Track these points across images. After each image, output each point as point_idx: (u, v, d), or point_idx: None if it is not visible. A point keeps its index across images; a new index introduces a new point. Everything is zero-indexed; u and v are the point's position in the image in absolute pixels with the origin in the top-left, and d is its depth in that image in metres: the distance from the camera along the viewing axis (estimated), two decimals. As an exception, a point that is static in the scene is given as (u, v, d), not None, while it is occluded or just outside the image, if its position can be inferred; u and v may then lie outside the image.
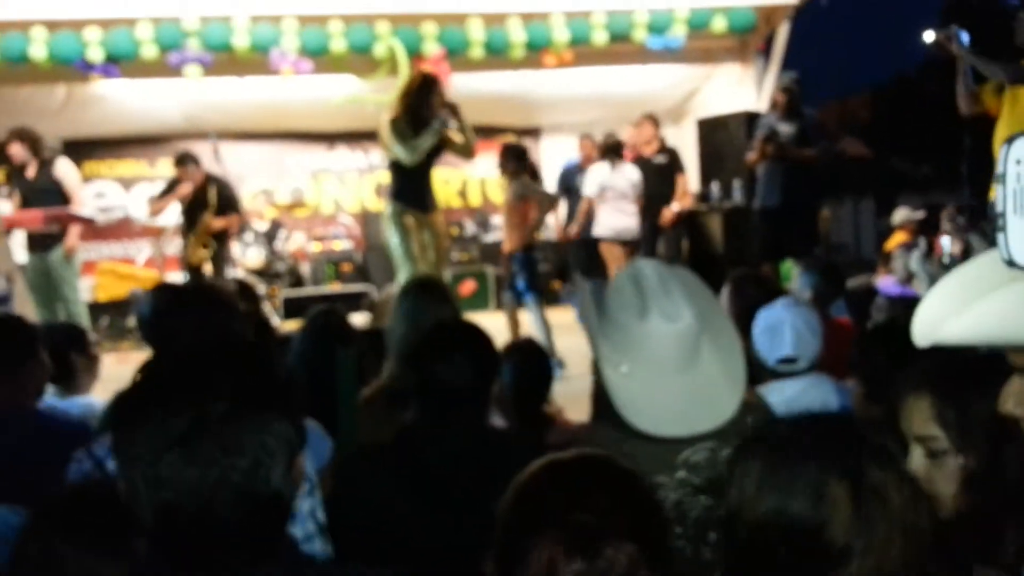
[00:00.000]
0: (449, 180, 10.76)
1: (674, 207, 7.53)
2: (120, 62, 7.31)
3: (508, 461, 1.31)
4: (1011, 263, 0.92)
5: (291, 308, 7.80)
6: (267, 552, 1.15)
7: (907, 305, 3.61)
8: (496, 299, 9.05)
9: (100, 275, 8.85)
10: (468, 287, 9.45)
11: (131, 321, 7.69)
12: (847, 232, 19.36)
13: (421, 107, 5.31)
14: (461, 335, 2.12)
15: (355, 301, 7.91)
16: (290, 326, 6.65)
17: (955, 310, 1.03)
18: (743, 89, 8.98)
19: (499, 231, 7.51)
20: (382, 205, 5.77)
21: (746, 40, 8.85)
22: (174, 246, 7.82)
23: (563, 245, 8.61)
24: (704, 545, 1.74)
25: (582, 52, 8.09)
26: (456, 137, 5.46)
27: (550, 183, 8.83)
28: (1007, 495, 1.29)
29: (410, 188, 5.44)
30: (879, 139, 19.56)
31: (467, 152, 5.61)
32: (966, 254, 7.47)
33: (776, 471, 1.17)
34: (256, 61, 7.51)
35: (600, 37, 7.98)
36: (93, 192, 9.41)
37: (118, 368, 4.79)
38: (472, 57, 7.81)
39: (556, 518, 1.06)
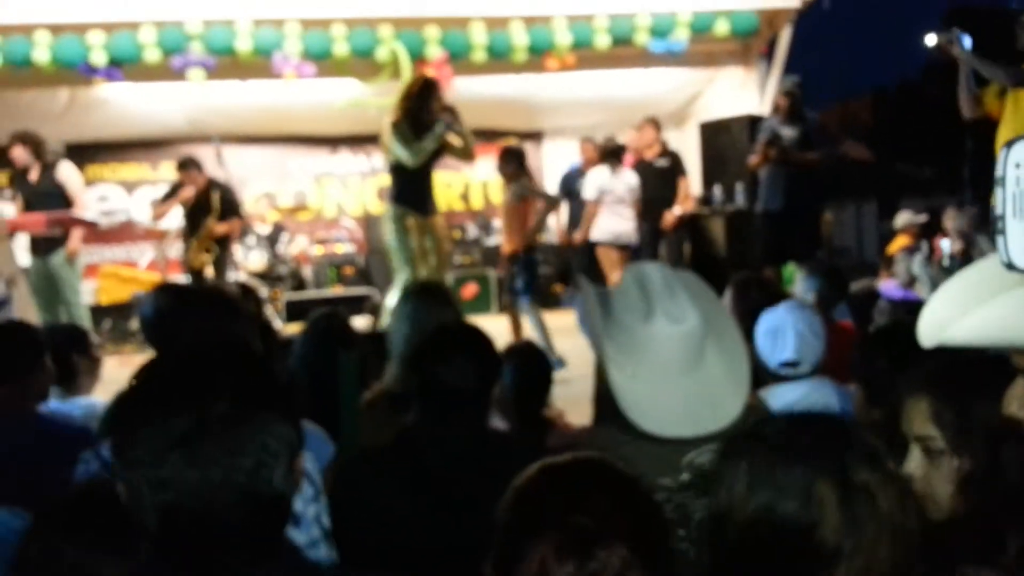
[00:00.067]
0: (451, 183, 10.77)
1: (676, 210, 7.53)
2: (123, 66, 7.32)
3: (509, 463, 1.31)
4: (1010, 266, 0.92)
5: (293, 311, 7.81)
6: (267, 553, 1.15)
7: (909, 309, 3.61)
8: (498, 302, 9.06)
9: (103, 278, 8.86)
10: (470, 290, 9.46)
11: (134, 324, 7.70)
12: (849, 236, 19.36)
13: (421, 111, 5.34)
14: (462, 338, 2.12)
15: (357, 304, 7.91)
16: (292, 329, 6.65)
17: (960, 312, 1.04)
18: (745, 92, 8.99)
19: (500, 234, 7.52)
20: (384, 208, 5.78)
21: (748, 43, 8.86)
22: (176, 249, 7.83)
23: (564, 248, 8.62)
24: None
25: (584, 56, 8.10)
26: (455, 141, 5.48)
27: (552, 187, 8.83)
28: (1007, 498, 1.29)
29: (411, 191, 5.47)
30: (881, 142, 19.54)
31: (466, 155, 5.64)
32: (966, 254, 7.47)
33: (765, 471, 1.18)
34: (259, 65, 7.52)
35: (602, 41, 7.98)
36: (96, 195, 9.44)
37: (120, 371, 4.79)
38: (474, 61, 7.82)
39: (554, 521, 1.06)
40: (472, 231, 10.21)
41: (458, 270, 9.49)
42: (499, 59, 7.90)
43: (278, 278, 8.34)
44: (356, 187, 10.52)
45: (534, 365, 3.04)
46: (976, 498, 1.35)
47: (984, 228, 7.39)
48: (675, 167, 7.63)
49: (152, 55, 7.26)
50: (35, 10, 7.11)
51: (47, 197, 6.40)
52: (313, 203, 10.14)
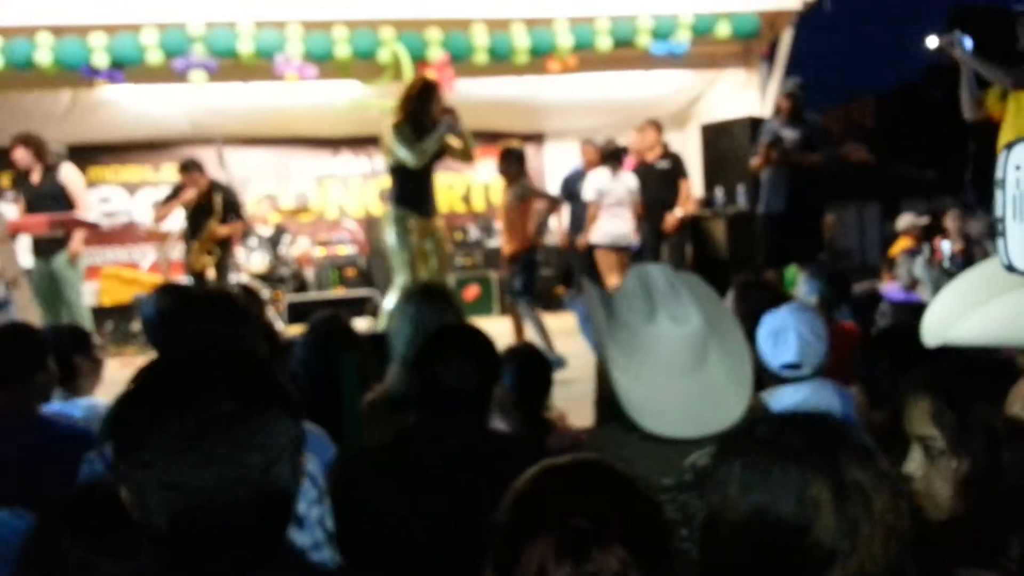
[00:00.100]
0: (453, 185, 10.78)
1: (677, 212, 7.53)
2: (125, 67, 7.33)
3: (508, 464, 1.31)
4: (1010, 268, 0.92)
5: (295, 313, 7.81)
6: (270, 554, 1.15)
7: (911, 310, 3.60)
8: (500, 304, 9.07)
9: (105, 280, 8.86)
10: (472, 292, 9.46)
11: (135, 325, 7.70)
12: (851, 237, 19.35)
13: (421, 113, 5.36)
14: (462, 339, 2.12)
15: (359, 306, 7.91)
16: (294, 331, 6.66)
17: (963, 312, 1.04)
18: (747, 94, 8.98)
19: (501, 236, 7.53)
20: (385, 209, 5.80)
21: (750, 46, 8.86)
22: (178, 251, 7.84)
23: (566, 250, 8.63)
24: None
25: (586, 58, 8.10)
26: (454, 143, 5.50)
27: (553, 189, 8.84)
28: (1008, 500, 1.30)
29: (412, 192, 5.49)
30: (883, 144, 19.53)
31: (466, 157, 5.66)
32: (967, 253, 7.46)
33: (758, 472, 1.18)
34: (261, 66, 7.53)
35: (604, 43, 7.98)
36: (98, 197, 9.45)
37: (122, 372, 4.80)
38: (476, 63, 7.82)
39: (553, 522, 1.06)
40: (474, 233, 10.21)
41: (460, 272, 9.49)
42: (501, 61, 7.90)
43: (280, 280, 8.34)
44: (358, 189, 10.53)
45: (534, 367, 3.04)
46: (976, 499, 1.35)
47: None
48: (676, 169, 7.62)
49: (154, 57, 7.26)
50: (37, 12, 7.12)
51: (49, 199, 6.41)
52: (315, 205, 10.15)
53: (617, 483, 1.14)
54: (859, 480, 1.15)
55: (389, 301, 5.61)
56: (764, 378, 2.57)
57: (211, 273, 7.20)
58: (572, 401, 3.68)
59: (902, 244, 8.91)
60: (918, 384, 1.46)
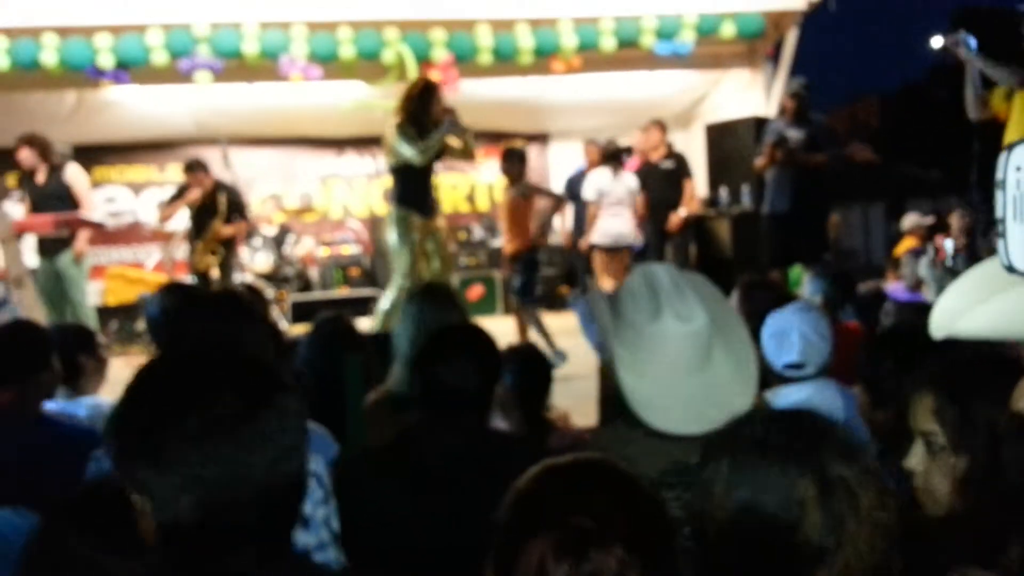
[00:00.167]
0: (457, 185, 10.79)
1: (681, 212, 7.53)
2: (130, 68, 7.34)
3: (509, 464, 1.31)
4: (1011, 269, 0.92)
5: (299, 312, 7.82)
6: (275, 553, 1.16)
7: (915, 310, 3.59)
8: (504, 303, 9.08)
9: (109, 279, 8.88)
10: (476, 292, 9.47)
11: (140, 325, 7.73)
12: (856, 237, 19.33)
13: (422, 113, 5.39)
14: (463, 338, 2.13)
15: (363, 306, 7.92)
16: (298, 330, 6.67)
17: (970, 305, 1.05)
18: (752, 94, 8.98)
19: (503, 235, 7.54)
20: (387, 209, 5.82)
21: (755, 46, 8.85)
22: (183, 251, 7.85)
23: (570, 250, 8.64)
24: None
25: (590, 58, 8.10)
26: (454, 143, 5.53)
27: (557, 189, 8.85)
28: (1008, 500, 1.30)
29: (413, 192, 5.52)
30: (888, 144, 19.50)
31: (467, 155, 5.70)
32: (969, 248, 7.44)
33: (743, 471, 1.18)
34: (266, 67, 7.54)
35: (608, 43, 7.98)
36: (103, 197, 9.47)
37: (126, 372, 4.81)
38: (480, 63, 7.82)
39: (554, 521, 1.06)
40: (478, 233, 10.21)
41: (464, 272, 9.50)
42: (505, 61, 7.90)
43: (284, 279, 8.35)
44: (362, 189, 10.54)
45: (534, 366, 3.04)
46: (975, 497, 1.35)
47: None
48: (680, 169, 7.62)
49: (159, 57, 7.28)
50: (42, 13, 7.14)
51: (54, 199, 6.43)
52: (319, 205, 10.16)
53: (620, 482, 1.14)
54: (844, 477, 1.16)
55: (384, 301, 5.62)
56: (768, 377, 2.57)
57: (215, 273, 7.22)
58: (575, 400, 3.68)
59: (907, 244, 8.90)
60: (923, 380, 1.46)
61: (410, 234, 5.47)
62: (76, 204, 6.49)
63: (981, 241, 6.71)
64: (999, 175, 0.91)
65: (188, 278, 7.48)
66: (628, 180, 7.15)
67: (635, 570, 1.04)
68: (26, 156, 6.52)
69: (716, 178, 8.62)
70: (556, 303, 9.50)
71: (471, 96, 7.82)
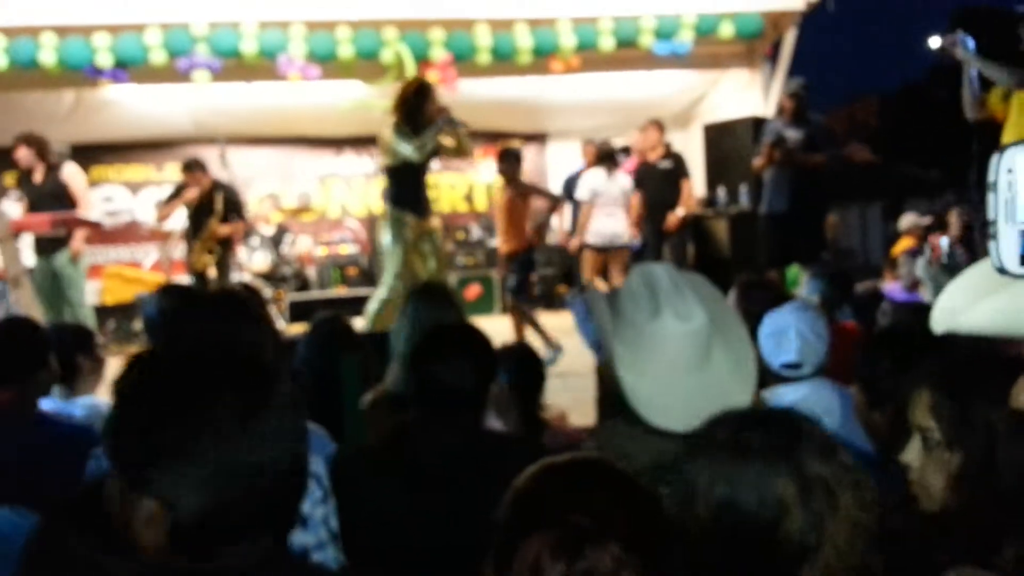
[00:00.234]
0: (455, 185, 10.80)
1: (679, 212, 7.53)
2: (129, 67, 7.34)
3: (503, 463, 1.32)
4: (1002, 271, 0.93)
5: (297, 312, 7.82)
6: (272, 554, 1.16)
7: (913, 310, 3.60)
8: (502, 303, 9.09)
9: (107, 279, 8.88)
10: (473, 291, 9.47)
11: (137, 324, 7.72)
12: (854, 237, 19.32)
13: (417, 112, 5.41)
14: (458, 338, 2.13)
15: (361, 305, 7.86)
16: (296, 330, 6.67)
17: (971, 301, 1.05)
18: (750, 94, 8.98)
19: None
20: (382, 210, 5.84)
21: (753, 46, 8.85)
22: (181, 250, 7.86)
23: (567, 250, 8.65)
24: None
25: (589, 58, 8.10)
26: (447, 142, 5.55)
27: (556, 189, 8.86)
28: (1004, 499, 1.30)
29: (408, 193, 5.55)
30: (886, 144, 19.51)
31: (461, 153, 5.72)
32: (963, 242, 7.45)
33: (721, 471, 1.19)
34: (264, 66, 7.54)
35: (607, 43, 7.98)
36: (101, 196, 9.47)
37: (125, 371, 4.80)
38: (479, 63, 7.83)
39: (552, 520, 1.07)
40: (476, 232, 10.22)
41: (461, 271, 9.51)
42: (503, 61, 7.91)
43: (282, 279, 8.35)
44: (360, 188, 10.55)
45: (528, 365, 3.04)
46: (969, 495, 1.36)
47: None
48: (678, 169, 7.63)
49: (157, 57, 7.28)
50: (41, 12, 7.13)
51: (51, 198, 6.43)
52: (317, 204, 10.17)
53: (618, 481, 1.15)
54: (822, 475, 1.17)
55: (373, 302, 5.63)
56: (765, 377, 2.57)
57: (213, 272, 7.22)
58: (574, 400, 3.69)
59: (904, 244, 8.91)
60: (922, 376, 1.47)
61: (403, 235, 5.50)
62: (73, 203, 6.49)
63: (979, 239, 6.71)
64: (991, 177, 0.92)
65: (186, 278, 7.48)
66: (622, 180, 7.16)
67: (631, 568, 1.04)
68: (23, 155, 6.52)
69: (714, 178, 8.63)
70: (554, 302, 9.51)
71: (469, 96, 7.82)
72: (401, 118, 5.43)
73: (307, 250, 9.10)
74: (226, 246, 7.31)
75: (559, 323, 6.87)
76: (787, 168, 6.67)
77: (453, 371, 2.00)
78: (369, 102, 7.88)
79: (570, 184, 8.39)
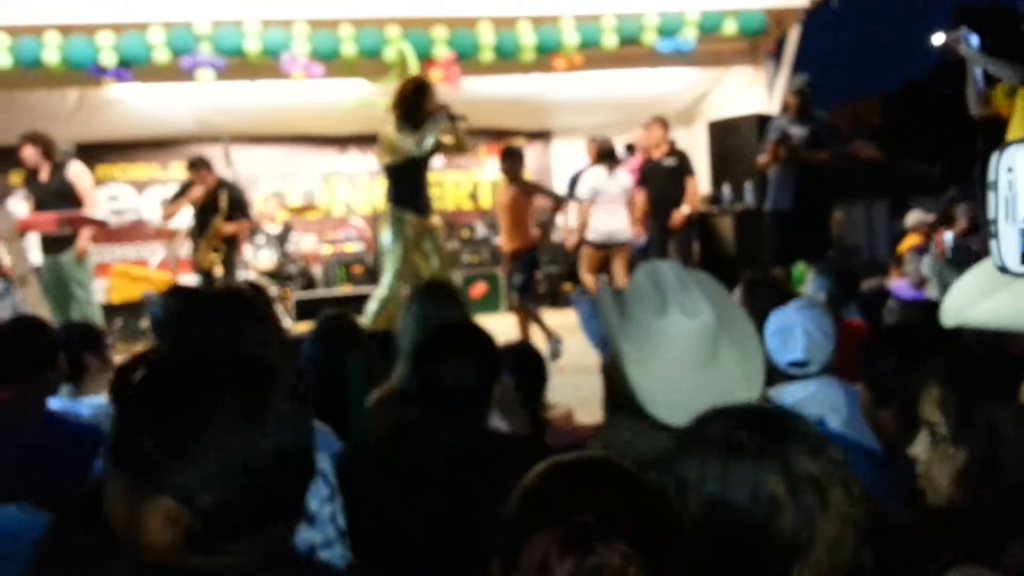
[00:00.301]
0: (460, 183, 10.80)
1: (684, 210, 7.53)
2: (132, 66, 7.36)
3: (505, 463, 1.32)
4: (1003, 269, 0.93)
5: (303, 310, 7.84)
6: (278, 552, 1.16)
7: (918, 308, 3.60)
8: (508, 301, 9.10)
9: (114, 277, 8.90)
10: (479, 289, 9.48)
11: (144, 322, 7.74)
12: (860, 234, 19.29)
13: (416, 110, 5.42)
14: (462, 337, 2.13)
15: (366, 303, 7.93)
16: (302, 328, 6.68)
17: (980, 296, 1.06)
18: (754, 91, 8.98)
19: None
20: (383, 209, 5.86)
21: (757, 43, 8.85)
22: (186, 248, 7.87)
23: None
24: None
25: (592, 55, 8.10)
26: (447, 139, 5.57)
27: (560, 187, 8.86)
28: (1009, 499, 1.30)
29: (407, 192, 5.56)
30: (891, 141, 19.49)
31: (461, 149, 5.74)
32: (967, 236, 7.42)
33: (712, 470, 1.20)
34: (267, 65, 7.55)
35: (610, 40, 7.98)
36: (106, 195, 9.49)
37: (131, 370, 4.81)
38: (482, 60, 7.83)
39: (559, 518, 1.07)
40: (480, 230, 10.22)
41: (467, 269, 9.52)
42: (507, 59, 7.91)
43: (288, 277, 8.37)
44: (364, 186, 10.55)
45: (530, 364, 3.04)
46: (975, 491, 1.36)
47: None
48: (683, 166, 7.63)
49: (161, 56, 7.29)
50: (45, 11, 7.15)
51: (57, 197, 6.45)
52: (322, 202, 10.18)
53: (625, 480, 1.15)
54: (811, 471, 1.18)
55: (373, 303, 5.63)
56: (771, 375, 2.57)
57: (218, 271, 7.23)
58: (580, 399, 3.68)
59: (910, 241, 8.89)
60: (932, 371, 1.48)
61: (404, 233, 5.51)
62: (79, 202, 6.51)
63: (984, 236, 6.68)
64: (991, 176, 0.92)
65: (192, 276, 7.49)
66: (622, 178, 7.16)
67: (639, 566, 1.04)
68: (29, 154, 6.53)
69: (719, 175, 8.63)
70: (559, 300, 9.52)
71: (473, 94, 7.83)
72: (400, 116, 5.45)
73: (312, 248, 9.11)
74: (231, 244, 7.32)
75: (563, 321, 6.88)
76: (792, 165, 6.66)
77: (454, 371, 2.00)
78: (372, 100, 7.88)
79: (575, 182, 8.39)
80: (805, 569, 1.15)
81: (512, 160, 6.76)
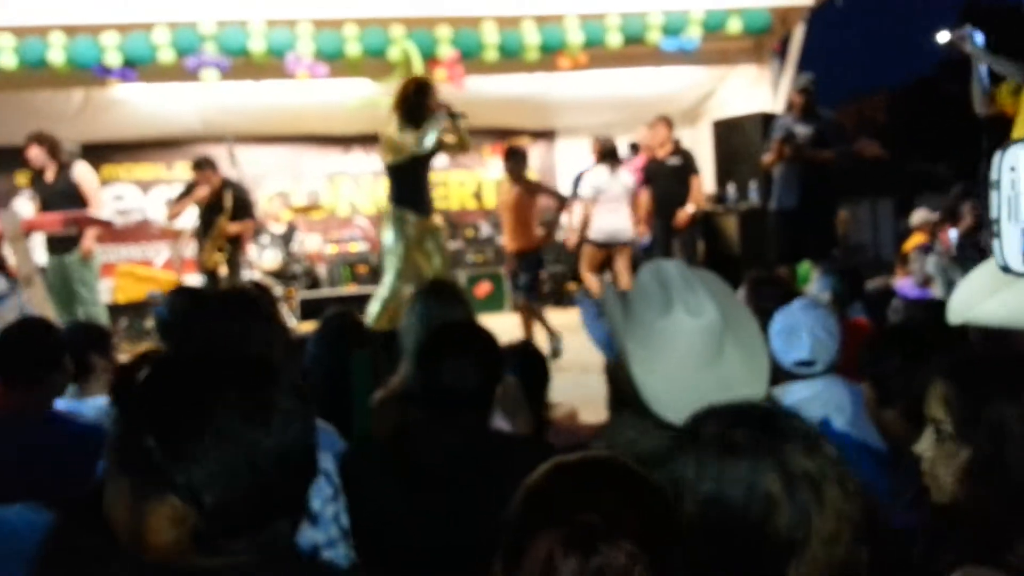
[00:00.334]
0: (464, 182, 10.80)
1: (688, 209, 7.52)
2: (137, 66, 7.37)
3: (508, 464, 1.32)
4: (1006, 269, 0.92)
5: (308, 310, 7.84)
6: (281, 552, 1.16)
7: (923, 307, 3.59)
8: (513, 300, 9.11)
9: (119, 277, 8.91)
10: (483, 289, 9.48)
11: (149, 322, 7.75)
12: (865, 233, 19.24)
13: (417, 109, 5.43)
14: (464, 337, 2.13)
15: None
16: (306, 328, 6.69)
17: (988, 293, 1.05)
18: (759, 90, 8.96)
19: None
20: (385, 209, 5.86)
21: (762, 41, 8.83)
22: (191, 249, 7.89)
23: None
24: None
25: (596, 54, 8.09)
26: (448, 138, 5.57)
27: (564, 185, 8.86)
28: (1015, 497, 1.30)
29: (409, 192, 5.57)
30: (896, 140, 19.43)
31: (462, 148, 5.75)
32: (972, 234, 7.40)
33: (708, 469, 1.20)
34: (272, 65, 7.56)
35: (614, 39, 7.97)
36: (112, 195, 9.51)
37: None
38: (486, 60, 7.82)
39: (563, 517, 1.07)
40: (485, 230, 10.22)
41: (471, 268, 9.52)
42: (511, 58, 7.90)
43: (292, 277, 8.38)
44: (369, 186, 10.56)
45: (532, 364, 3.03)
46: (979, 490, 1.35)
47: None
48: (687, 165, 7.61)
49: (166, 56, 7.30)
50: (50, 11, 7.16)
51: (63, 197, 6.46)
52: (326, 202, 10.18)
53: (629, 480, 1.15)
54: (807, 469, 1.18)
55: (375, 303, 5.63)
56: (775, 374, 2.57)
57: (223, 271, 7.24)
58: (585, 398, 3.68)
59: (916, 240, 8.87)
60: (939, 368, 1.47)
61: (405, 233, 5.51)
62: (85, 202, 6.52)
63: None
64: (993, 175, 0.91)
65: (197, 276, 7.50)
66: (624, 177, 7.16)
67: (644, 565, 1.04)
68: (35, 154, 6.55)
69: (723, 174, 8.61)
70: (563, 299, 9.52)
71: (477, 93, 7.83)
72: (402, 116, 5.46)
73: (317, 248, 9.12)
74: (236, 244, 7.33)
75: (567, 320, 6.88)
76: (797, 164, 6.64)
77: (456, 371, 2.00)
78: (377, 100, 7.88)
79: (579, 181, 8.39)
80: (801, 566, 1.16)
81: (515, 160, 6.76)
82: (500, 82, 8.60)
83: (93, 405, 2.95)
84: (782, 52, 8.83)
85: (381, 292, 5.63)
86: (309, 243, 8.90)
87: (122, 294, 8.63)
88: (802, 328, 2.58)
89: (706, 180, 8.25)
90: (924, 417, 1.48)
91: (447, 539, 1.84)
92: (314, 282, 8.73)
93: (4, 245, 5.43)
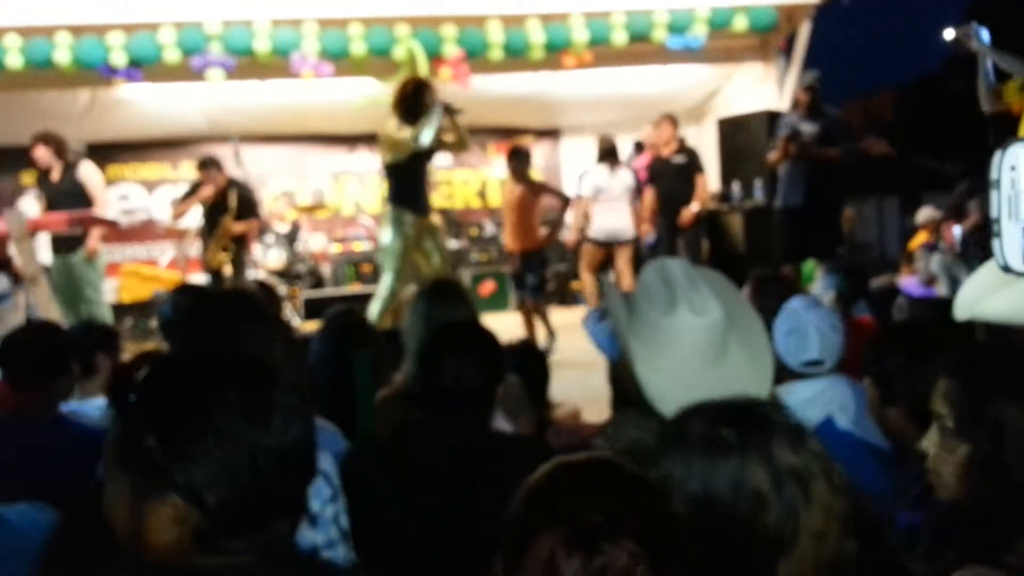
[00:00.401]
0: (468, 181, 10.80)
1: (693, 207, 7.51)
2: (143, 66, 7.38)
3: (508, 464, 1.32)
4: (1006, 268, 0.92)
5: (312, 309, 7.85)
6: (280, 552, 1.16)
7: (927, 306, 3.59)
8: (517, 299, 9.11)
9: (124, 277, 8.94)
10: (487, 288, 9.48)
11: (154, 322, 7.77)
12: (871, 231, 19.19)
13: (417, 108, 5.44)
14: (465, 337, 2.12)
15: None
16: (311, 327, 6.70)
17: (994, 290, 1.05)
18: (764, 88, 8.94)
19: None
20: (384, 209, 5.87)
21: (767, 39, 8.81)
22: (196, 248, 7.90)
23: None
24: None
25: (602, 53, 8.08)
26: (448, 137, 5.58)
27: (569, 184, 8.85)
28: (1015, 496, 1.29)
29: (408, 192, 5.59)
30: (903, 137, 19.38)
31: (461, 147, 5.76)
32: (977, 232, 7.38)
33: (695, 466, 1.20)
34: (277, 64, 7.57)
35: (620, 37, 7.96)
36: (117, 195, 9.53)
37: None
38: (491, 59, 7.82)
39: (565, 517, 1.07)
40: (489, 229, 10.22)
41: (475, 267, 9.52)
42: (516, 57, 7.90)
43: (297, 276, 8.39)
44: (374, 185, 10.55)
45: (532, 363, 3.03)
46: (979, 489, 1.35)
47: None
48: (692, 164, 7.60)
49: (172, 55, 7.31)
50: (56, 11, 7.18)
51: (68, 196, 6.47)
52: (331, 201, 10.19)
53: (631, 480, 1.15)
54: (793, 464, 1.18)
55: (376, 304, 5.62)
56: (779, 373, 2.56)
57: (228, 270, 7.25)
58: (588, 397, 3.68)
59: (921, 238, 8.85)
60: (945, 364, 1.47)
61: (403, 232, 5.52)
62: (90, 202, 6.53)
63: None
64: (993, 175, 0.91)
65: (201, 275, 7.51)
66: (625, 176, 7.15)
67: (647, 565, 1.04)
68: (41, 154, 6.56)
69: (728, 172, 8.60)
70: (568, 298, 9.51)
71: (482, 92, 7.83)
72: (401, 115, 5.48)
73: (321, 247, 9.13)
74: (241, 244, 7.34)
75: (571, 319, 6.88)
76: (802, 162, 6.63)
77: (456, 371, 2.00)
78: (382, 99, 7.87)
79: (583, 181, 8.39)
80: (790, 563, 1.15)
81: (519, 159, 6.75)
82: (505, 81, 8.59)
83: (96, 406, 2.96)
84: (788, 50, 8.81)
85: (381, 292, 5.64)
86: (314, 242, 8.91)
87: (127, 294, 8.66)
88: (809, 327, 2.58)
89: (711, 178, 8.24)
90: (929, 415, 1.48)
91: (447, 539, 1.84)
92: (318, 281, 8.74)
93: (10, 245, 5.44)
